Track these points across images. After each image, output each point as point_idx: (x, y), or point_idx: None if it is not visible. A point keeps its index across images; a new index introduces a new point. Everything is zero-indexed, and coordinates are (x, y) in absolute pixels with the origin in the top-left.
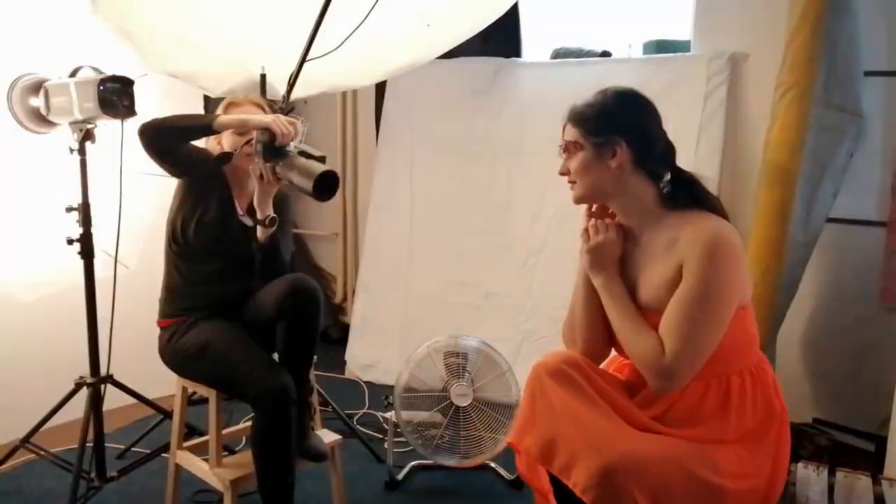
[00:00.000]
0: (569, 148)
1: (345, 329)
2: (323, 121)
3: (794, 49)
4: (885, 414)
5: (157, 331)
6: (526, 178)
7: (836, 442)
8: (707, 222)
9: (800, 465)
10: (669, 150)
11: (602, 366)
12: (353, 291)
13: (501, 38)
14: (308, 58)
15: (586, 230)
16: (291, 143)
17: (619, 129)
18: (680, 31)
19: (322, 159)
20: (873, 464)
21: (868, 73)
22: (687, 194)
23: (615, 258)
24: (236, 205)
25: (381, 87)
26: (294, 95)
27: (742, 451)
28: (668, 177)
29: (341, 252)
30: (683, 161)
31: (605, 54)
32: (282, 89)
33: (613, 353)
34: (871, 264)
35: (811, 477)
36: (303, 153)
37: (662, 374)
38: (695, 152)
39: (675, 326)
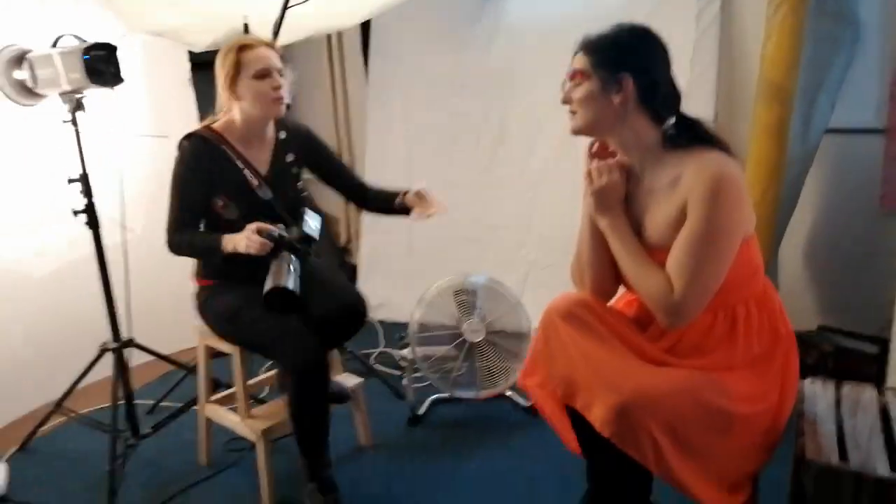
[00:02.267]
0: (576, 76)
1: (352, 269)
2: (311, 63)
3: None
4: (887, 316)
5: (173, 288)
6: (520, 108)
7: (841, 347)
8: (709, 159)
9: (807, 381)
10: (675, 95)
11: (611, 302)
12: (357, 232)
13: None
14: (290, 4)
15: (589, 173)
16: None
17: (628, 65)
18: None
19: (309, 242)
20: (877, 366)
21: None
22: (690, 135)
23: (619, 199)
24: (250, 179)
25: (366, 25)
26: (279, 43)
27: (751, 376)
28: (671, 121)
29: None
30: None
31: None
32: (267, 38)
33: (622, 289)
34: (871, 171)
35: (818, 392)
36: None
37: (672, 311)
38: (690, 71)
39: (681, 265)
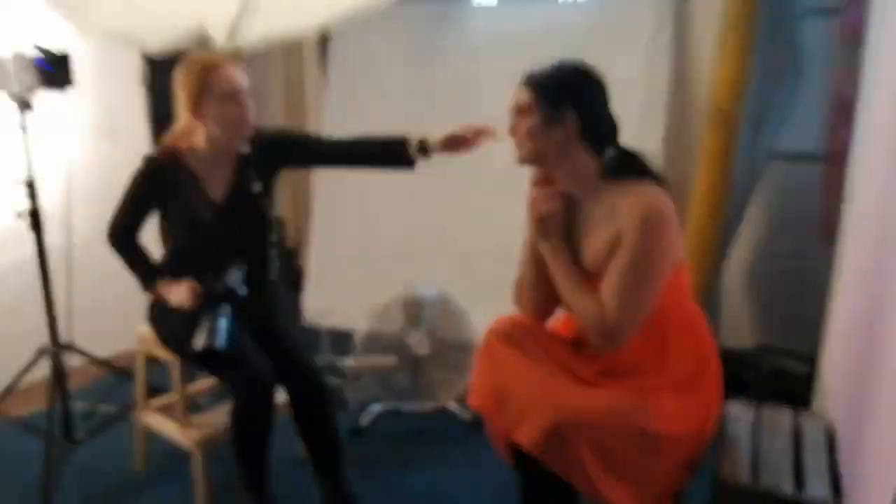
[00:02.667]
0: (520, 111)
1: (300, 273)
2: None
3: None
4: (820, 339)
5: (116, 289)
6: (478, 121)
7: (776, 366)
8: (642, 192)
9: (730, 403)
10: (614, 129)
11: (549, 322)
12: (307, 236)
13: None
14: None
15: (532, 200)
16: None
17: (570, 101)
18: None
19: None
20: (809, 385)
21: (807, 12)
22: (627, 167)
23: (560, 226)
24: (202, 212)
25: (325, 39)
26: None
27: (677, 398)
28: (610, 152)
29: (289, 197)
30: (631, 103)
31: None
32: (221, 42)
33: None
34: (811, 197)
35: (740, 414)
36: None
37: (604, 334)
38: (641, 95)
39: (614, 290)
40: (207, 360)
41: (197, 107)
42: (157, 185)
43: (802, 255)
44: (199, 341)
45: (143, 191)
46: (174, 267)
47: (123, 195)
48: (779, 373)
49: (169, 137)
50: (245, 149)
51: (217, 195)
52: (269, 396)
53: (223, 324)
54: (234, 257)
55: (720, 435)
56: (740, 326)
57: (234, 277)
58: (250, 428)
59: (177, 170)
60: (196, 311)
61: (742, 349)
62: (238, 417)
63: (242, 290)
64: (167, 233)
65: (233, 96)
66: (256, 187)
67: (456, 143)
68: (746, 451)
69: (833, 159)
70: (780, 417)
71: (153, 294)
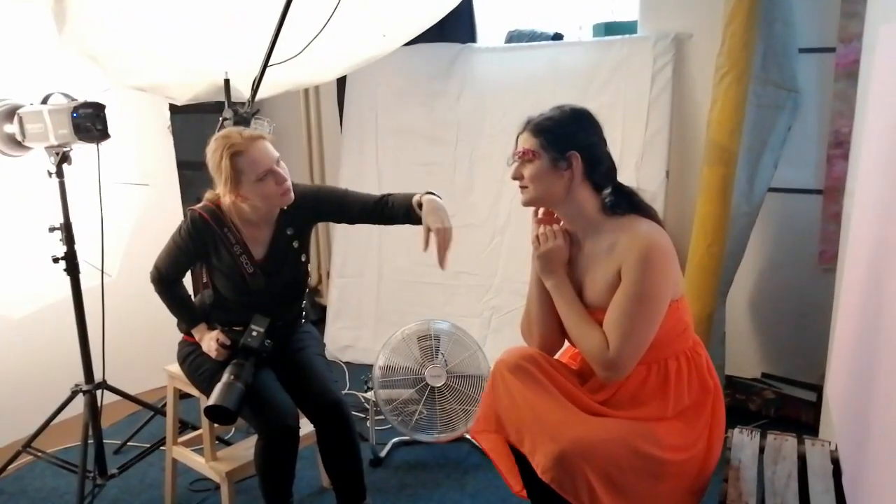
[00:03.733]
0: (525, 155)
1: (322, 310)
2: (287, 113)
3: (731, 33)
4: (824, 366)
5: (146, 329)
6: (487, 159)
7: (782, 394)
8: (641, 228)
9: (735, 430)
10: (612, 167)
11: (557, 355)
12: (328, 274)
13: (457, 24)
14: (270, 63)
15: (537, 237)
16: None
17: (575, 144)
18: (628, 12)
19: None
20: (815, 413)
21: (802, 50)
22: (625, 203)
23: (563, 262)
24: (244, 267)
25: (342, 78)
26: (258, 97)
27: (681, 426)
28: (609, 189)
29: (314, 236)
30: (634, 140)
31: (557, 36)
32: (246, 92)
33: (567, 343)
34: (810, 229)
35: (745, 441)
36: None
37: (607, 365)
38: (644, 131)
39: (616, 324)
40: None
41: (236, 190)
42: (202, 241)
43: (804, 285)
44: (213, 398)
45: (188, 245)
46: (211, 313)
47: (169, 245)
48: (784, 399)
49: (212, 194)
50: (286, 207)
51: (259, 251)
52: (293, 438)
53: (238, 387)
54: (270, 309)
55: (725, 461)
56: (745, 357)
57: (259, 334)
58: (274, 465)
59: (221, 225)
60: (223, 361)
61: (747, 379)
62: (263, 456)
63: (267, 346)
64: (204, 280)
65: (266, 175)
66: (295, 244)
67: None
68: (752, 476)
69: (831, 191)
70: (786, 444)
71: (188, 335)
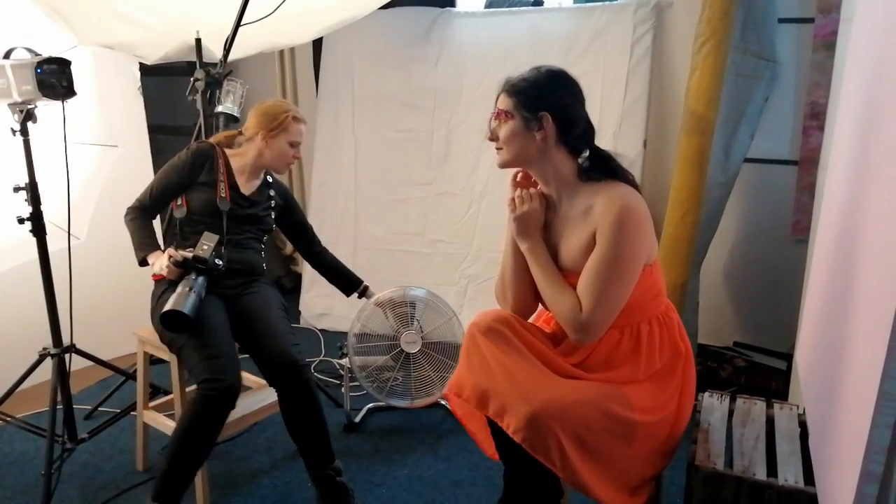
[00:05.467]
0: (500, 116)
1: (297, 279)
2: (262, 77)
3: (712, 1)
4: (796, 335)
5: (115, 294)
6: (464, 126)
7: (753, 363)
8: (616, 192)
9: (705, 394)
10: (590, 129)
11: (531, 318)
12: None
13: None
14: (243, 22)
15: (513, 200)
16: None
17: (548, 105)
18: None
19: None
20: (784, 381)
21: (782, 20)
22: (602, 168)
23: (539, 225)
24: (220, 190)
25: (318, 41)
26: (231, 58)
27: (652, 388)
28: (586, 154)
29: None
30: (613, 108)
31: (538, 2)
32: (219, 53)
33: (541, 307)
34: (785, 200)
35: (714, 404)
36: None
37: (580, 328)
38: (623, 99)
39: (589, 287)
40: (180, 339)
41: (270, 135)
42: (200, 163)
43: (778, 255)
44: (169, 304)
45: (186, 165)
46: (179, 231)
47: (155, 177)
48: (755, 367)
49: (219, 135)
50: (270, 180)
51: (245, 191)
52: (231, 401)
53: (193, 297)
54: (227, 237)
55: (695, 423)
56: (718, 326)
57: (209, 247)
58: (204, 422)
59: (216, 161)
60: (176, 280)
61: (719, 347)
62: (193, 409)
63: (217, 264)
64: (179, 202)
65: (296, 145)
66: (272, 203)
67: None
68: (721, 438)
69: (806, 163)
70: (755, 408)
71: (142, 261)
